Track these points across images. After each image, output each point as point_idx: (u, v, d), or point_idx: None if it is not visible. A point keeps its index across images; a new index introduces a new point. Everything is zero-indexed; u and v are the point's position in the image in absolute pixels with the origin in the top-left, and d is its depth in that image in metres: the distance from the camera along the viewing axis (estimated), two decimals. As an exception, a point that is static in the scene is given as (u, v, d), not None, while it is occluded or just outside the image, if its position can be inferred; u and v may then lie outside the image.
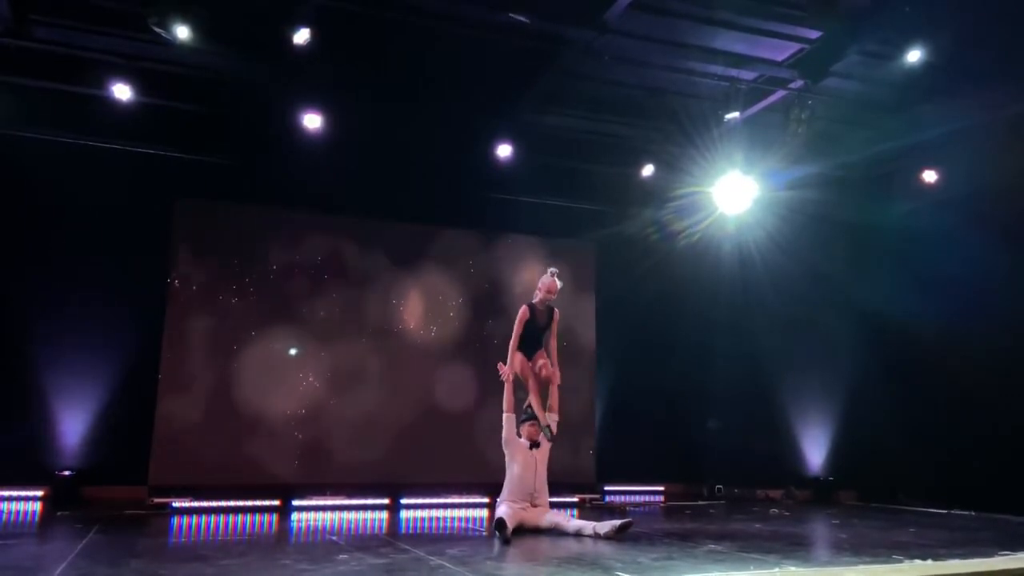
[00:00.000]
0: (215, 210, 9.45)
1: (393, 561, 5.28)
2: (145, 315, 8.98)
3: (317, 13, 7.23)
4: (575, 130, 9.92)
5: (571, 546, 6.17)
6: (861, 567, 5.19)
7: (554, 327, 7.13)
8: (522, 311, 7.02)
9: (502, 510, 6.67)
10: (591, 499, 9.99)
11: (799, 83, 8.55)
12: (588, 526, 6.56)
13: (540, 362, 7.01)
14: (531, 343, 7.04)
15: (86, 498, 8.44)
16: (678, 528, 7.44)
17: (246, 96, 8.55)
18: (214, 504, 8.36)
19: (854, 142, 9.62)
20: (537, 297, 7.04)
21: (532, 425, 6.98)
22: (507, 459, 7.03)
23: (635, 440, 10.60)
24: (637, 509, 9.54)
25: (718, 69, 8.49)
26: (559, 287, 7.02)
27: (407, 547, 5.93)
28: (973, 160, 9.13)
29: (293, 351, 9.44)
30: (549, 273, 7.02)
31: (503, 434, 7.02)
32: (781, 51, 8.29)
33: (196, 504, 8.32)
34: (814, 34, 7.92)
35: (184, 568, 4.99)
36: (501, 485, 9.88)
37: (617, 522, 6.46)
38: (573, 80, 8.81)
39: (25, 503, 8.27)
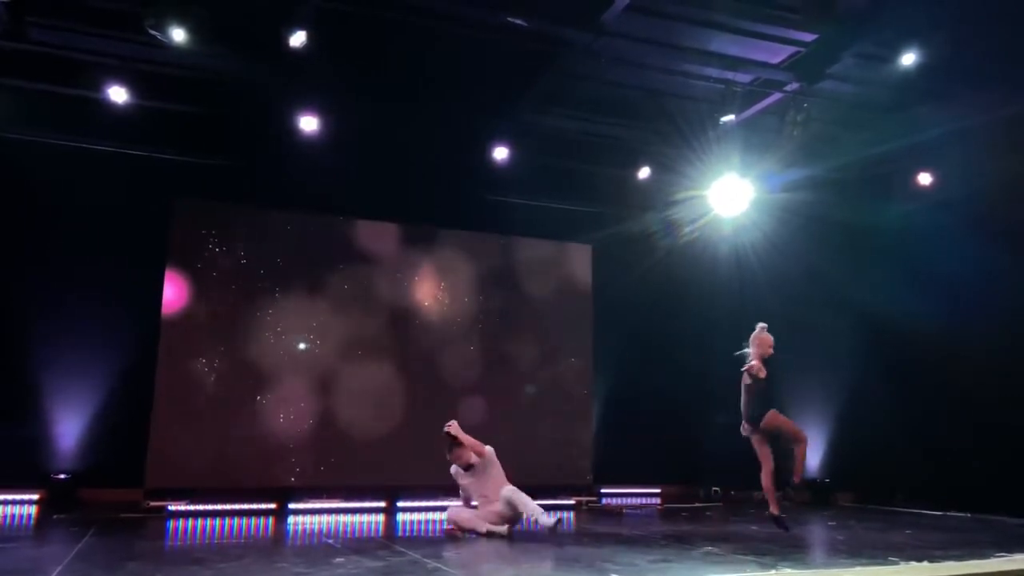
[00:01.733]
0: (213, 211, 9.45)
1: (390, 564, 5.28)
2: (142, 316, 8.96)
3: (316, 14, 7.23)
4: (573, 131, 9.93)
5: (569, 549, 6.17)
6: (858, 569, 5.19)
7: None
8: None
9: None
10: (588, 501, 9.99)
11: (795, 85, 8.57)
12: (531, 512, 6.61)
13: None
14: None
15: (82, 501, 8.42)
16: (675, 530, 7.44)
17: (244, 97, 8.55)
18: (210, 507, 8.34)
19: (850, 144, 9.63)
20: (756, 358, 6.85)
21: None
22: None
23: (632, 442, 10.60)
24: (634, 511, 9.54)
25: (714, 71, 8.50)
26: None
27: (404, 550, 5.92)
28: (969, 162, 9.15)
29: (295, 348, 9.44)
30: (761, 328, 7.00)
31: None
32: (777, 54, 8.31)
33: (192, 507, 8.30)
34: (810, 37, 7.94)
35: (181, 571, 4.98)
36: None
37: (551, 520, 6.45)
38: (571, 82, 8.82)
39: (21, 506, 8.25)
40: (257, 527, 7.61)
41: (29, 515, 7.98)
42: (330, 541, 6.60)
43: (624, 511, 9.45)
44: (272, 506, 8.63)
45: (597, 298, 10.98)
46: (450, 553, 5.78)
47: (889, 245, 10.35)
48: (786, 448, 6.96)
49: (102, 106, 8.31)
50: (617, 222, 10.96)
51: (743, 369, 6.90)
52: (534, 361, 10.52)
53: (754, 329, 7.11)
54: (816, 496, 10.60)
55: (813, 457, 11.00)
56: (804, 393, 11.03)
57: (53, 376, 8.68)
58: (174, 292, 9.11)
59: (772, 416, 6.81)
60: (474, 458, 6.98)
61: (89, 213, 8.81)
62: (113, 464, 8.72)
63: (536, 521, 6.51)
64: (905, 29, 7.58)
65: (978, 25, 7.46)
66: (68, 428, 8.72)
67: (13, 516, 7.91)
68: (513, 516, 6.73)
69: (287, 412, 9.26)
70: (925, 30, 7.54)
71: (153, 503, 8.32)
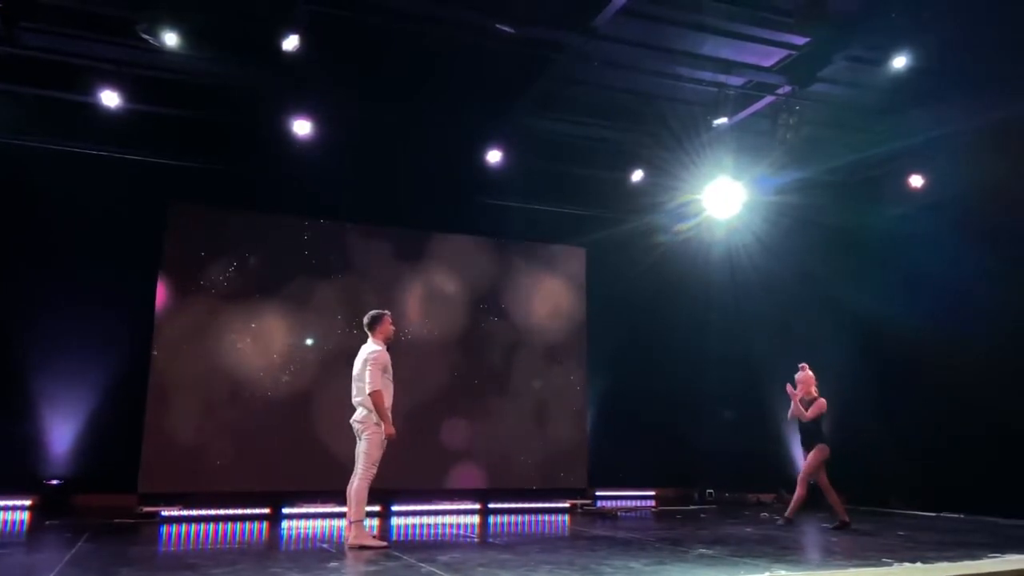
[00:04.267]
0: (207, 215, 9.42)
1: (384, 568, 5.28)
2: (135, 321, 8.94)
3: (309, 18, 7.23)
4: (566, 135, 9.96)
5: (564, 552, 6.17)
6: (851, 570, 5.21)
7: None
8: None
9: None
10: (583, 504, 9.99)
11: (787, 88, 8.60)
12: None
13: None
14: None
15: (75, 507, 8.39)
16: (669, 533, 7.45)
17: (238, 101, 8.55)
18: (204, 512, 8.31)
19: (842, 147, 9.68)
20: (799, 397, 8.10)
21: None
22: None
23: (627, 445, 10.62)
24: (629, 514, 9.55)
25: (707, 75, 8.54)
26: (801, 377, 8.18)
27: (398, 554, 5.91)
28: (960, 164, 9.19)
29: (291, 350, 9.43)
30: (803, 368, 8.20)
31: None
32: (769, 57, 8.35)
33: (186, 512, 8.27)
34: (801, 40, 7.98)
35: (174, 577, 4.97)
36: (493, 492, 9.88)
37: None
38: (565, 85, 8.85)
39: (13, 512, 8.21)
40: (251, 532, 7.59)
41: (22, 521, 7.93)
42: (324, 546, 6.58)
43: (619, 514, 9.46)
44: (266, 511, 8.61)
45: (591, 301, 11.00)
46: (445, 557, 5.78)
47: (880, 248, 10.39)
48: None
49: (96, 110, 8.29)
50: (611, 225, 10.99)
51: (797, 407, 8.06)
52: (529, 364, 10.53)
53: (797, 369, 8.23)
54: (810, 498, 10.61)
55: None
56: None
57: (46, 381, 8.65)
58: (168, 296, 9.09)
59: (814, 453, 8.02)
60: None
61: (83, 217, 8.79)
62: (106, 469, 8.68)
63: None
64: (896, 33, 7.62)
65: (968, 29, 7.50)
66: (61, 433, 8.68)
67: (5, 522, 7.86)
68: None
69: (282, 416, 9.24)
70: (916, 34, 7.58)
71: (146, 508, 8.27)
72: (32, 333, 8.63)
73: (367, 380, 6.22)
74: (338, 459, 9.26)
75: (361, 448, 6.26)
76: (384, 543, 6.35)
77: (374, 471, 6.22)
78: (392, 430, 6.22)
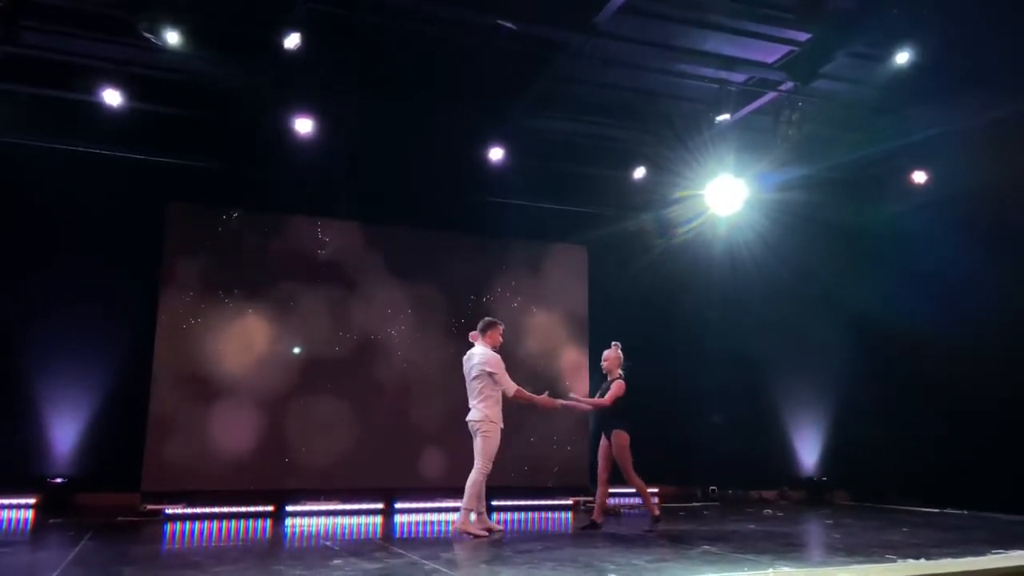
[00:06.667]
0: (208, 215, 9.43)
1: (387, 566, 5.28)
2: (137, 320, 8.95)
3: (309, 17, 7.23)
4: (568, 133, 9.95)
5: (567, 549, 6.18)
6: (855, 567, 5.21)
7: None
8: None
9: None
10: (586, 502, 9.99)
11: (789, 85, 8.59)
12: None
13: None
14: None
15: (78, 505, 8.40)
16: (672, 529, 7.45)
17: (239, 100, 8.54)
18: (207, 511, 8.32)
19: (843, 144, 9.67)
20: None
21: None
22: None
23: (630, 442, 10.59)
24: (631, 511, 9.55)
25: (709, 72, 8.53)
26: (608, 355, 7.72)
27: (401, 551, 5.92)
28: (961, 162, 9.19)
29: (292, 351, 9.44)
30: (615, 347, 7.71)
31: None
32: (771, 53, 8.34)
33: (189, 511, 8.28)
34: (803, 36, 7.97)
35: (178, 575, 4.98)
36: (496, 489, 9.89)
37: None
38: (565, 83, 8.84)
39: (17, 511, 8.20)
40: (255, 530, 7.60)
41: (25, 519, 7.94)
42: (328, 543, 6.60)
43: (622, 511, 9.47)
44: (269, 509, 8.62)
45: (592, 299, 10.99)
46: (448, 554, 5.78)
47: (882, 245, 10.40)
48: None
49: (95, 110, 8.28)
50: (612, 223, 10.97)
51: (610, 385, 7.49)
52: (530, 362, 10.52)
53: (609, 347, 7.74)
54: (812, 495, 10.65)
55: (809, 456, 11.05)
56: (799, 392, 11.08)
57: (49, 380, 8.65)
58: (168, 295, 9.09)
59: (619, 443, 7.49)
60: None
61: (83, 216, 8.78)
62: (110, 468, 8.68)
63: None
64: (897, 29, 7.61)
65: (969, 26, 7.49)
66: (64, 432, 8.68)
67: (9, 520, 7.88)
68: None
69: (284, 414, 9.25)
70: (917, 30, 7.57)
71: (150, 507, 8.28)
72: (33, 332, 8.63)
73: (499, 382, 6.80)
74: (341, 457, 9.33)
75: (478, 445, 6.76)
76: (487, 532, 6.81)
77: (490, 467, 6.76)
78: (547, 400, 7.08)
